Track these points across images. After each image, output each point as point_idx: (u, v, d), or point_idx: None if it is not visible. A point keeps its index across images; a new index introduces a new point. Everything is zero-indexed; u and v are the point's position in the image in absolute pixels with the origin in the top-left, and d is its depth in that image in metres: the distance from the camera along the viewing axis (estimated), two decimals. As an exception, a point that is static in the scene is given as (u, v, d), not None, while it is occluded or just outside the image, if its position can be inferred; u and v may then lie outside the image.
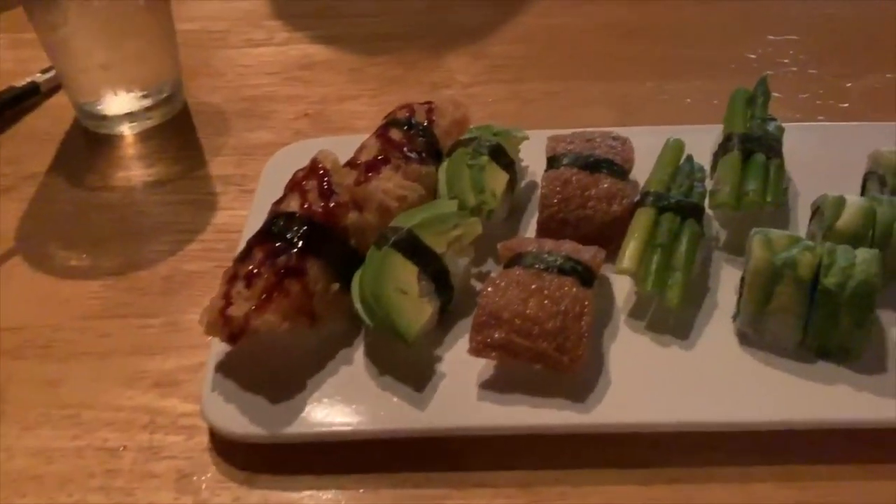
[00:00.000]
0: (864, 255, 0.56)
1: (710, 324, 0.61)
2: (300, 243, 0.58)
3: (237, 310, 0.55)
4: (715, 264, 0.66)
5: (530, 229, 0.70)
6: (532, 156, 0.75)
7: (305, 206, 0.60)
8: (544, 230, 0.66)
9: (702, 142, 0.75)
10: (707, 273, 0.65)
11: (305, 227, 0.59)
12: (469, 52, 1.00)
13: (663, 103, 0.90)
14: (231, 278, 0.57)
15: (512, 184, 0.70)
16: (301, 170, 0.64)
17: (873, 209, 0.60)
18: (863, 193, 0.69)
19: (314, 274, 0.57)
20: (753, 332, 0.58)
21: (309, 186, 0.61)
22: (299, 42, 1.03)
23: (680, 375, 0.57)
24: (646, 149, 0.72)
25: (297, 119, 0.90)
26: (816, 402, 0.55)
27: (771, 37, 1.00)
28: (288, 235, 0.58)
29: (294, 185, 0.62)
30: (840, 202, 0.61)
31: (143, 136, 0.88)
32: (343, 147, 0.73)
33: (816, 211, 0.64)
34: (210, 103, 0.93)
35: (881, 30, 1.00)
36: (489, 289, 0.57)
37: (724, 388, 0.56)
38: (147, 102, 0.87)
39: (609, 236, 0.65)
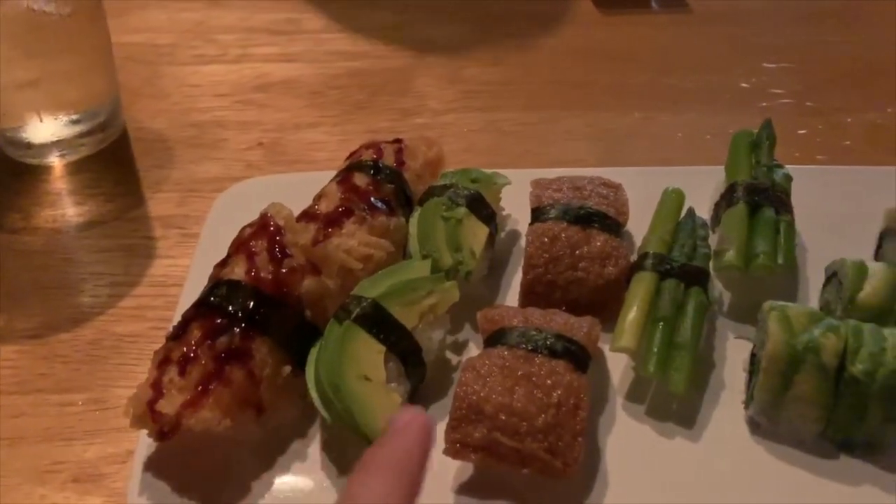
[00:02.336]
0: (893, 337, 0.49)
1: (718, 408, 0.54)
2: (245, 319, 0.49)
3: (168, 404, 0.46)
4: (720, 334, 0.59)
5: (513, 289, 0.62)
6: (513, 198, 0.67)
7: (252, 272, 0.51)
8: (529, 293, 0.58)
9: (700, 185, 0.68)
10: (712, 345, 0.58)
11: (252, 299, 0.50)
12: (441, 76, 0.92)
13: (652, 138, 0.83)
14: (162, 362, 0.48)
15: (492, 237, 0.62)
16: (249, 225, 0.55)
17: (899, 279, 0.53)
18: (877, 252, 0.62)
19: (262, 356, 0.49)
20: (768, 422, 0.51)
21: (257, 248, 0.52)
22: (255, 59, 0.94)
23: (685, 473, 0.50)
24: (637, 192, 0.65)
25: (250, 149, 0.81)
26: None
27: (766, 64, 0.94)
28: (231, 309, 0.49)
29: (240, 246, 0.53)
30: (861, 270, 0.54)
31: (74, 168, 0.78)
32: (300, 185, 0.65)
33: (832, 276, 0.57)
34: (152, 129, 0.84)
35: (880, 60, 0.95)
36: (468, 374, 0.48)
37: (736, 488, 0.49)
38: (79, 128, 0.77)
39: (603, 302, 0.57)
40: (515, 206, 0.67)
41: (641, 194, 0.65)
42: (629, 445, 0.51)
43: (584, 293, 0.58)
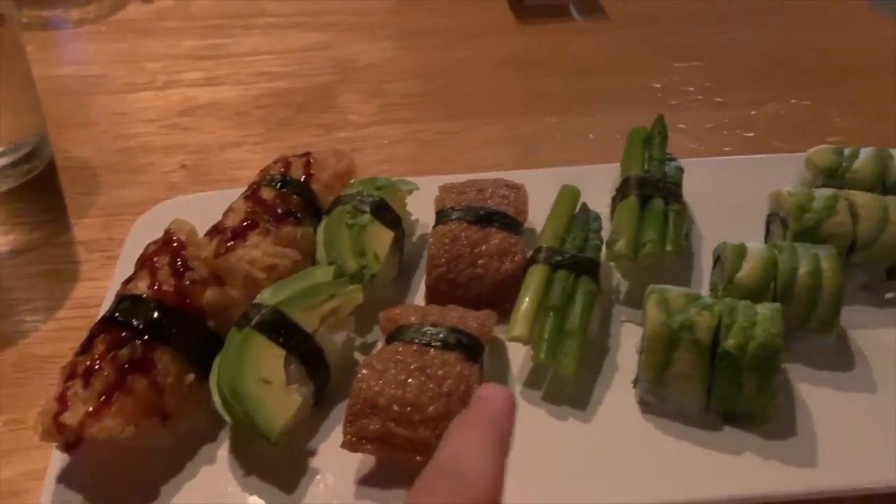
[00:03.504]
0: (765, 312, 0.52)
1: (611, 390, 0.56)
2: (147, 331, 0.51)
3: (71, 416, 0.48)
4: (615, 320, 0.62)
5: (422, 289, 0.64)
6: (427, 206, 0.69)
7: (155, 286, 0.53)
8: (434, 292, 0.61)
9: (603, 182, 0.71)
10: (607, 331, 0.61)
11: (154, 311, 0.52)
12: (364, 91, 0.95)
13: (565, 140, 0.86)
14: (68, 376, 0.50)
15: (400, 241, 0.64)
16: (154, 242, 0.57)
17: (774, 258, 0.57)
18: (767, 236, 0.66)
19: (164, 365, 0.51)
20: (655, 400, 0.54)
21: (160, 263, 0.54)
22: (181, 85, 0.96)
23: (579, 453, 0.52)
24: (545, 192, 0.68)
25: (174, 171, 0.83)
26: (724, 475, 0.51)
27: (676, 64, 0.98)
28: (134, 322, 0.51)
29: (144, 262, 0.55)
30: (740, 252, 0.58)
31: (1, 199, 0.79)
32: (218, 203, 0.67)
33: (718, 260, 0.61)
34: (80, 157, 0.85)
35: (786, 54, 0.99)
36: (364, 371, 0.51)
37: (627, 466, 0.52)
38: (4, 161, 0.79)
39: (502, 295, 0.60)
40: (428, 213, 0.70)
41: (549, 193, 0.68)
42: (525, 429, 0.53)
43: (484, 289, 0.60)
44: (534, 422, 0.54)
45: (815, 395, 0.55)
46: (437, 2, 1.11)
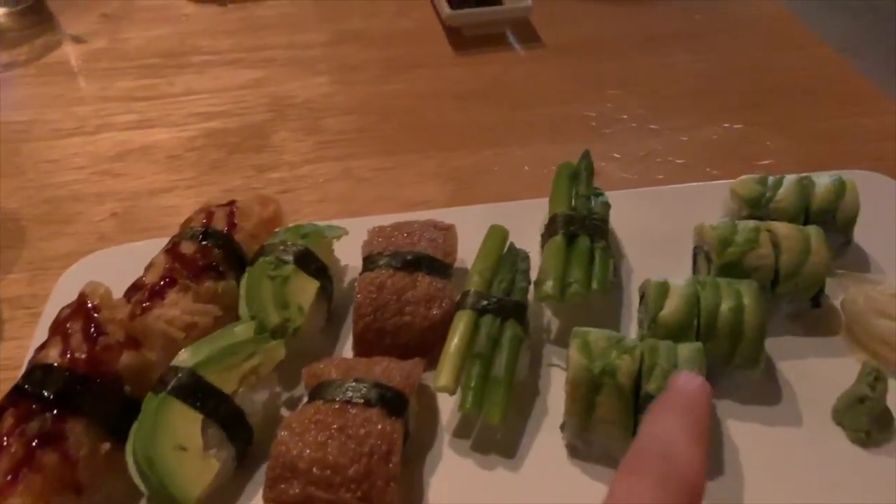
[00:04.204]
0: (685, 352, 0.52)
1: (540, 436, 0.56)
2: (58, 402, 0.49)
3: (-25, 497, 0.46)
4: (546, 360, 0.61)
5: (351, 339, 0.63)
6: (358, 249, 0.68)
7: (67, 353, 0.51)
8: (361, 342, 0.60)
9: (535, 218, 0.71)
10: (537, 373, 0.60)
11: (65, 381, 0.50)
12: (299, 128, 0.94)
13: (500, 173, 0.86)
14: (-25, 453, 0.48)
15: (327, 290, 0.63)
16: (67, 306, 0.55)
17: (697, 295, 0.57)
18: (694, 268, 0.66)
19: (77, 437, 0.49)
20: (582, 444, 0.54)
21: (72, 328, 0.53)
22: (113, 129, 0.94)
23: (508, 502, 0.52)
24: (478, 230, 0.68)
25: (104, 220, 0.81)
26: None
27: (611, 91, 0.98)
28: (44, 393, 0.50)
29: (57, 328, 0.54)
30: (663, 289, 0.58)
31: (-80, 258, 0.77)
32: (148, 254, 0.66)
33: (643, 296, 0.61)
34: (6, 209, 0.83)
35: (718, 77, 1.00)
36: (284, 433, 0.50)
37: (555, 512, 0.51)
38: (-76, 216, 0.77)
39: (431, 342, 0.59)
40: (360, 255, 0.69)
41: (482, 231, 0.68)
42: (453, 481, 0.53)
43: (412, 336, 0.59)
44: (462, 473, 0.54)
45: (742, 430, 0.56)
46: (374, 34, 1.11)
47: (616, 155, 0.88)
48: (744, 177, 0.68)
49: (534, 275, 0.64)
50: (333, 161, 0.88)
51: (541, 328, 0.64)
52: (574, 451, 0.54)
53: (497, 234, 0.65)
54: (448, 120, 0.94)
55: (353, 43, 1.09)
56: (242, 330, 0.56)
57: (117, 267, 0.66)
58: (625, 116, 0.94)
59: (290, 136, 0.93)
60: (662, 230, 0.70)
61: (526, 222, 0.70)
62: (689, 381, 0.41)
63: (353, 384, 0.52)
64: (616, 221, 0.72)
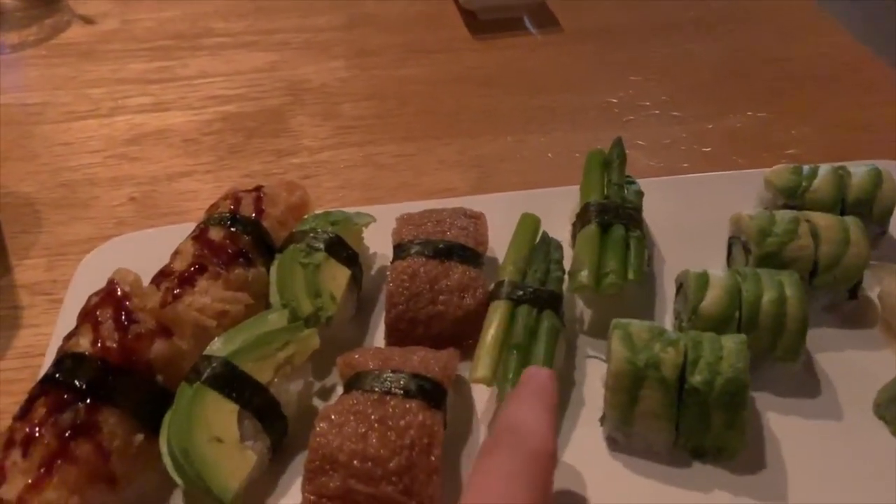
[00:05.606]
0: (730, 345, 0.51)
1: (578, 428, 0.55)
2: (90, 392, 0.48)
3: (10, 489, 0.45)
4: (581, 352, 0.60)
5: (382, 327, 0.62)
6: (385, 237, 0.67)
7: (98, 342, 0.50)
8: (393, 331, 0.59)
9: (563, 206, 0.70)
10: (572, 365, 0.59)
11: (97, 371, 0.49)
12: (317, 113, 0.92)
13: (523, 160, 0.85)
14: (6, 444, 0.47)
15: (357, 278, 0.62)
16: (96, 293, 0.54)
17: (738, 287, 0.56)
18: (729, 258, 0.65)
19: (110, 428, 0.48)
20: (623, 437, 0.53)
21: (103, 317, 0.51)
22: (127, 111, 0.93)
23: (548, 496, 0.51)
24: (506, 218, 0.67)
25: (122, 205, 0.80)
26: (695, 512, 0.50)
27: (633, 78, 0.97)
28: (76, 383, 0.48)
29: (86, 316, 0.52)
30: (703, 280, 0.57)
31: (-65, 241, 0.75)
32: (167, 240, 0.64)
33: (680, 287, 0.60)
34: (20, 193, 0.82)
35: (740, 65, 0.99)
36: (322, 425, 0.49)
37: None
38: (-63, 200, 0.75)
39: (465, 332, 0.59)
40: (385, 243, 0.68)
41: (509, 219, 0.67)
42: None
43: (445, 326, 0.58)
44: (500, 465, 0.53)
45: (782, 423, 0.55)
46: (390, 18, 1.09)
47: (640, 142, 0.86)
48: (778, 166, 0.67)
49: (566, 264, 0.62)
50: (353, 147, 0.87)
51: (574, 319, 0.63)
52: (614, 444, 0.53)
53: (529, 223, 0.64)
54: (467, 106, 0.93)
55: (367, 27, 1.08)
56: (276, 318, 0.55)
57: (138, 252, 0.65)
58: (647, 103, 0.93)
59: (308, 120, 0.91)
60: (694, 220, 0.69)
61: (555, 211, 0.69)
62: (536, 371, 0.48)
63: (392, 374, 0.51)
64: (646, 210, 0.71)
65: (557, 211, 0.70)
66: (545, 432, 0.42)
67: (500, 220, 0.67)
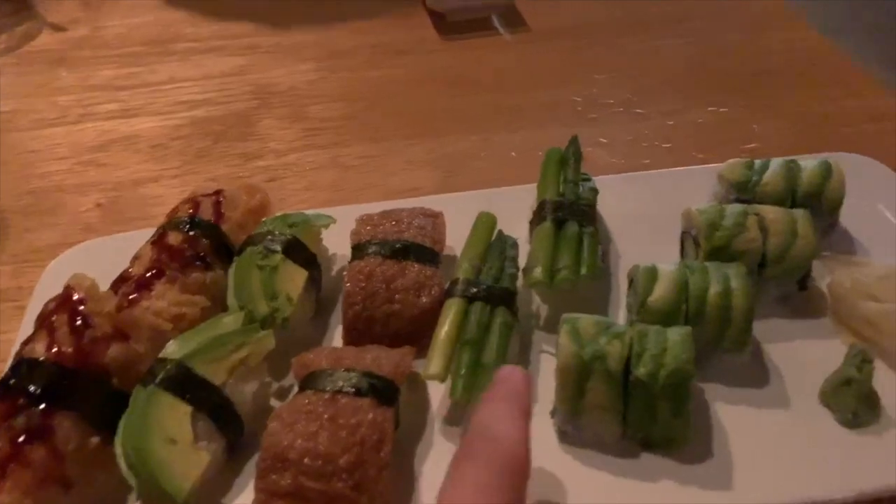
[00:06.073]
0: (675, 337, 0.52)
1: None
2: (45, 396, 0.49)
3: (-37, 493, 0.45)
4: (535, 347, 0.61)
5: (340, 328, 0.63)
6: (347, 237, 0.68)
7: (53, 347, 0.51)
8: (351, 331, 0.60)
9: (523, 204, 0.71)
10: (527, 359, 0.60)
11: (52, 375, 0.50)
12: (285, 116, 0.93)
13: (488, 159, 0.86)
14: (-38, 449, 0.48)
15: (315, 279, 0.63)
16: (53, 299, 0.55)
17: (685, 279, 0.57)
18: (682, 252, 0.66)
19: (65, 431, 0.49)
20: (573, 429, 0.54)
21: (58, 322, 0.52)
22: (95, 118, 0.93)
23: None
24: (467, 217, 0.67)
25: (88, 211, 0.81)
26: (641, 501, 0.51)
27: (598, 76, 0.98)
28: (31, 388, 0.49)
29: (42, 321, 0.53)
30: (652, 274, 0.58)
31: None
32: (135, 245, 0.65)
33: (633, 282, 0.61)
34: (-12, 201, 0.82)
35: (704, 60, 1.00)
36: (274, 424, 0.50)
37: (546, 498, 0.51)
38: None
39: (421, 330, 0.59)
40: (349, 244, 0.68)
41: (470, 217, 0.67)
42: (444, 468, 0.53)
43: (402, 324, 0.59)
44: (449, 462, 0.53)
45: (731, 413, 0.56)
46: (359, 20, 1.10)
47: (603, 140, 0.87)
48: (731, 161, 0.69)
49: (523, 261, 0.63)
50: (320, 149, 0.88)
51: (530, 315, 0.64)
52: (564, 437, 0.54)
53: (485, 222, 0.65)
54: (435, 106, 0.94)
55: (337, 29, 1.09)
56: (231, 321, 0.55)
57: (104, 258, 0.66)
58: (612, 101, 0.94)
59: (276, 123, 0.92)
60: (650, 215, 0.70)
61: (514, 208, 0.70)
62: (511, 373, 0.46)
63: (344, 373, 0.52)
64: (604, 206, 0.72)
65: (519, 209, 0.71)
66: (518, 438, 0.42)
67: (462, 218, 0.68)
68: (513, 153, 0.86)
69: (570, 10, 1.11)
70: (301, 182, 0.83)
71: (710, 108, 0.92)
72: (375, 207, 0.70)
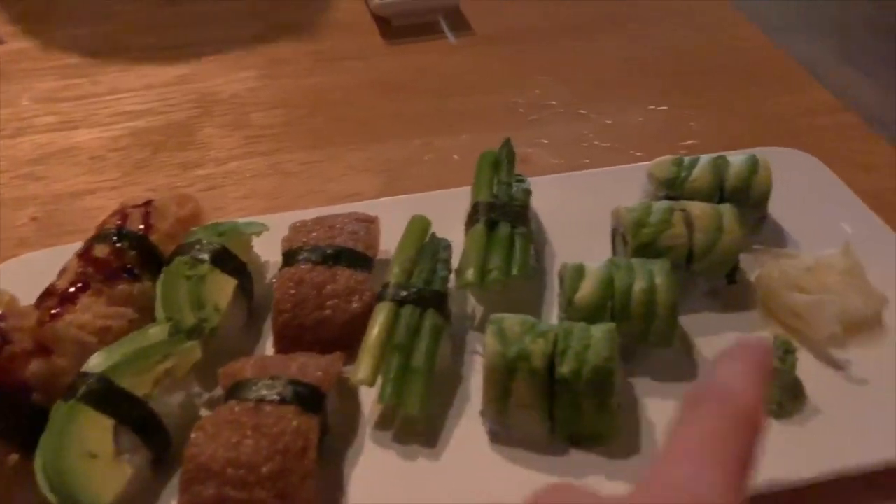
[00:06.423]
0: (598, 334, 0.53)
1: (461, 423, 0.56)
2: (-40, 415, 0.48)
3: None
4: (469, 348, 0.62)
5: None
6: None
7: (-31, 365, 0.50)
8: (281, 339, 0.60)
9: (462, 206, 0.71)
10: (460, 361, 0.61)
11: (-32, 393, 0.49)
12: (226, 124, 0.92)
13: (430, 163, 0.86)
14: None
15: (246, 288, 0.63)
16: (-29, 317, 0.54)
17: (611, 277, 0.57)
18: (614, 251, 0.67)
19: (-18, 449, 0.48)
20: (502, 429, 0.54)
21: (-24, 339, 0.51)
22: (33, 132, 0.92)
23: (429, 493, 0.52)
24: (406, 221, 0.67)
25: (24, 225, 0.79)
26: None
27: (541, 77, 0.99)
28: (-53, 406, 0.48)
29: (-40, 339, 0.52)
30: (578, 272, 0.58)
31: None
32: (64, 259, 0.64)
33: (563, 281, 0.61)
34: (-79, 218, 0.81)
35: (645, 60, 1.02)
36: (197, 435, 0.49)
37: (478, 499, 0.51)
38: None
39: (353, 336, 0.59)
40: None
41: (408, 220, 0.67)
42: (374, 473, 0.53)
43: (333, 331, 0.59)
44: (384, 465, 0.54)
45: (660, 408, 0.57)
46: (303, 27, 1.10)
47: (544, 141, 0.88)
48: (660, 158, 0.69)
49: (457, 263, 0.64)
50: (261, 156, 0.87)
51: (465, 316, 0.64)
52: (495, 437, 0.55)
53: (417, 225, 0.65)
54: (378, 111, 0.94)
55: (280, 36, 1.08)
56: (157, 332, 0.55)
57: (37, 272, 0.65)
58: (553, 102, 0.95)
59: (217, 132, 0.91)
60: (585, 214, 0.71)
61: (452, 211, 0.71)
62: (751, 338, 0.46)
63: (268, 382, 0.52)
64: (540, 206, 0.73)
65: (455, 211, 0.71)
66: (754, 395, 0.38)
67: (403, 222, 0.68)
68: (455, 156, 0.87)
69: (514, 13, 1.12)
70: (241, 190, 0.83)
71: (650, 107, 0.93)
72: (314, 214, 0.69)
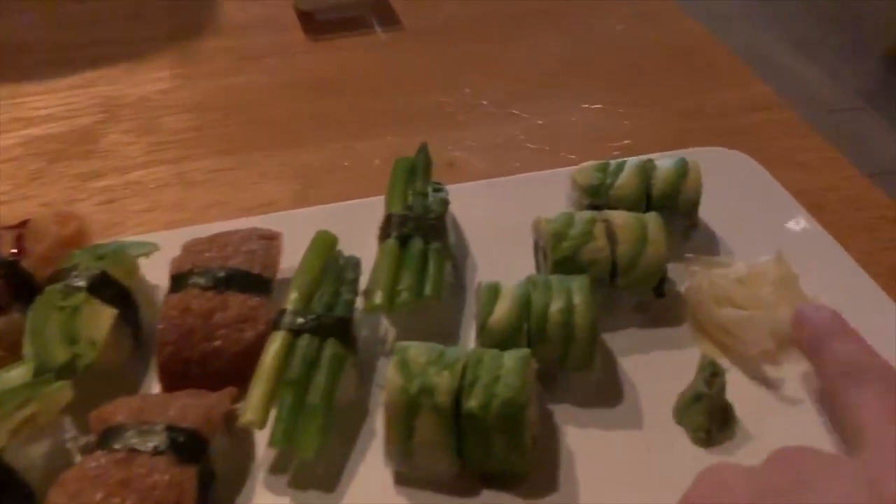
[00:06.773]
0: (509, 362, 0.48)
1: (364, 464, 0.51)
2: None
3: None
4: (380, 377, 0.56)
5: (162, 368, 0.57)
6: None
7: None
8: (167, 374, 0.54)
9: (379, 217, 0.66)
10: (367, 391, 0.55)
11: None
12: (132, 129, 0.86)
13: (350, 168, 0.81)
14: None
15: (131, 317, 0.57)
16: None
17: (528, 296, 0.53)
18: (537, 265, 0.62)
19: None
20: (408, 469, 0.49)
21: None
22: (-83, 143, 0.84)
23: (326, 543, 0.47)
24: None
25: None
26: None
27: (472, 75, 0.94)
28: None
29: None
30: (493, 293, 0.54)
31: None
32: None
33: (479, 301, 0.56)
34: None
35: (581, 57, 0.97)
36: (54, 492, 0.44)
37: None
38: None
39: (247, 367, 0.54)
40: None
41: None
42: (263, 526, 0.48)
43: (224, 363, 0.54)
44: (278, 514, 0.48)
45: (580, 437, 0.52)
46: (220, 24, 1.03)
47: (472, 143, 0.83)
48: (584, 164, 0.65)
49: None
50: (167, 164, 0.81)
51: (376, 341, 0.59)
52: (400, 479, 0.50)
53: (321, 242, 0.59)
54: (295, 113, 0.88)
55: (195, 34, 1.02)
56: (18, 374, 0.49)
57: None
58: (484, 102, 0.90)
59: (122, 138, 0.85)
60: (510, 224, 0.66)
61: (369, 223, 0.65)
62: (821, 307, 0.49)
63: (143, 428, 0.46)
64: (463, 216, 0.68)
65: (372, 223, 0.65)
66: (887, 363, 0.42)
67: (311, 237, 0.63)
68: (377, 161, 0.81)
69: (445, 6, 1.07)
70: (143, 202, 0.76)
71: (583, 106, 0.89)
72: (219, 228, 0.64)
